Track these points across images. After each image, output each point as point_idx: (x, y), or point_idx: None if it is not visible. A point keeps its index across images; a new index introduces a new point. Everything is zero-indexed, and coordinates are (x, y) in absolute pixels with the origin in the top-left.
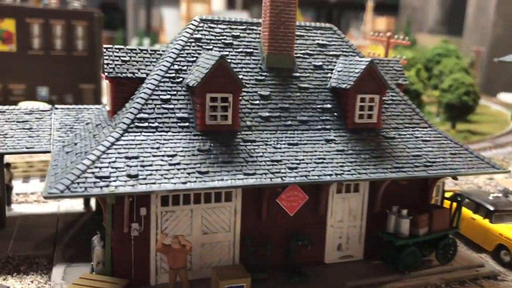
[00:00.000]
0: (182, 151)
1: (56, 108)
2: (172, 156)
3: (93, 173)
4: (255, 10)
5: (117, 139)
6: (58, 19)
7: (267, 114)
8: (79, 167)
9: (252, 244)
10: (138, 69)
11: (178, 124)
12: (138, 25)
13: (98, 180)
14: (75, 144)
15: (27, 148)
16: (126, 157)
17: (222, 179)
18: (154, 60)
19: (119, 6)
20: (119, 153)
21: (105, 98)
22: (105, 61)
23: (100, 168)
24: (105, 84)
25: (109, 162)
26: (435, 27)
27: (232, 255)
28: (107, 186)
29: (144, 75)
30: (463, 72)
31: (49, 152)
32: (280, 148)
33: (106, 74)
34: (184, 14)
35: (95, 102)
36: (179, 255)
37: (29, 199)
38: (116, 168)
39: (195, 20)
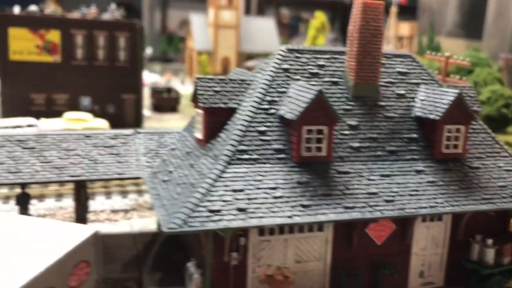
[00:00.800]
0: (282, 183)
1: (139, 133)
2: (274, 188)
3: (205, 207)
4: (269, 14)
5: (222, 172)
6: (101, 30)
7: (357, 144)
8: (191, 201)
9: (344, 273)
10: (230, 99)
11: (275, 155)
12: (153, 26)
13: (211, 214)
14: (170, 172)
15: (118, 174)
16: (233, 190)
17: (324, 213)
18: (243, 90)
19: (134, 7)
20: (225, 186)
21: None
22: (199, 92)
23: (211, 201)
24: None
25: (219, 196)
26: (453, 30)
27: (322, 284)
28: (220, 220)
29: (236, 105)
30: (497, 83)
31: (139, 178)
32: (373, 180)
33: (201, 104)
34: (212, 21)
35: (136, 113)
36: (282, 286)
37: (100, 217)
38: (226, 201)
39: (282, 50)
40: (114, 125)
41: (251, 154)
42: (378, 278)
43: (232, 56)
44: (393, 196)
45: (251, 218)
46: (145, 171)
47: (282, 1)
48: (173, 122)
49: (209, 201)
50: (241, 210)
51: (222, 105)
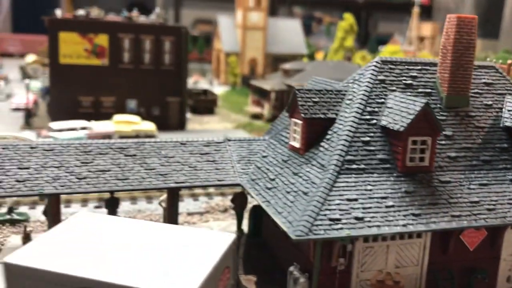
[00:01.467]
0: (391, 193)
1: (229, 140)
2: (385, 198)
3: (325, 215)
4: (281, 13)
5: (334, 181)
6: (147, 34)
7: (454, 154)
8: (311, 209)
9: (441, 278)
10: (328, 110)
11: (380, 165)
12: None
13: (331, 222)
14: (272, 179)
15: (218, 180)
16: (348, 200)
17: (434, 222)
18: (340, 100)
19: (148, 6)
20: (340, 195)
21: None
22: (299, 103)
23: (330, 210)
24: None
25: (336, 205)
26: None
27: None
28: (341, 228)
29: (334, 115)
30: None
31: (238, 185)
32: (473, 188)
33: (302, 115)
34: (240, 22)
35: (180, 115)
36: None
37: (179, 220)
38: (343, 210)
39: (377, 62)
40: (158, 127)
41: (358, 164)
42: (471, 283)
43: (259, 57)
44: (493, 205)
45: (369, 226)
46: (242, 178)
47: (295, 0)
48: (214, 124)
49: (328, 210)
50: (358, 219)
51: (322, 115)
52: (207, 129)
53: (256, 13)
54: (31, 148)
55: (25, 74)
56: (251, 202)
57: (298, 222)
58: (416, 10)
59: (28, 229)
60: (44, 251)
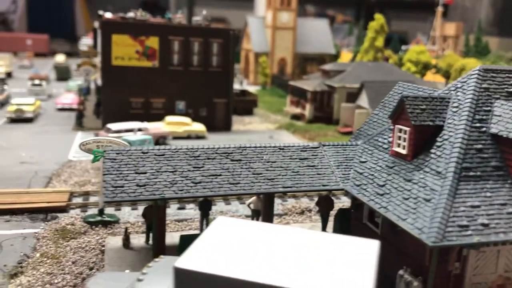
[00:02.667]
0: (509, 199)
1: (324, 145)
2: (504, 204)
3: (453, 222)
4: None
5: (456, 188)
6: (196, 36)
7: None
8: (440, 216)
9: None
10: (435, 117)
11: (494, 172)
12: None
13: (461, 229)
14: (382, 185)
15: (323, 185)
16: (471, 206)
17: None
18: (444, 107)
19: (161, 5)
20: (463, 202)
21: None
22: (408, 110)
23: (457, 217)
24: None
25: (461, 212)
26: (485, 27)
27: None
28: (471, 235)
29: (441, 123)
30: None
31: (341, 190)
32: None
33: (412, 122)
34: (270, 23)
35: (226, 116)
36: None
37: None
38: (469, 217)
39: (479, 70)
40: (206, 128)
41: (475, 171)
42: None
43: (289, 57)
44: None
45: (495, 233)
46: (345, 183)
47: None
48: (256, 125)
49: (455, 216)
50: (484, 225)
51: (430, 123)
52: (251, 130)
53: (286, 13)
54: (143, 153)
55: (60, 73)
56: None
57: (430, 229)
58: (440, 9)
59: (128, 231)
60: (209, 256)
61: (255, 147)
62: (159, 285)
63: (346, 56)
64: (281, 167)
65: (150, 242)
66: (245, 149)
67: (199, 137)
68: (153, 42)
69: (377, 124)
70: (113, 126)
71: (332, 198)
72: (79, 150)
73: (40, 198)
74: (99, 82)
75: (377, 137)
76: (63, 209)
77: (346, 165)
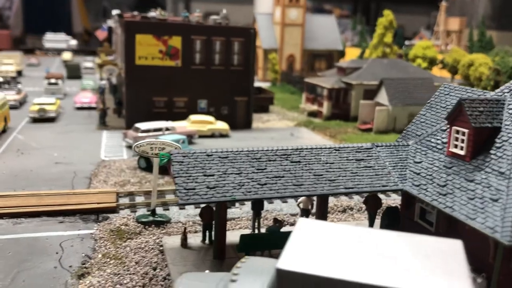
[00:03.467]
0: None
1: (377, 146)
2: None
3: None
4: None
5: None
6: (218, 36)
7: None
8: (509, 215)
9: None
10: (493, 119)
11: None
12: None
13: None
14: (443, 186)
15: (382, 186)
16: None
17: None
18: (500, 109)
19: (157, 1)
20: None
21: None
22: (468, 112)
23: None
24: None
25: None
26: (484, 21)
27: None
28: None
29: (499, 125)
30: None
31: (400, 190)
32: None
33: (472, 124)
34: (279, 19)
35: (247, 114)
36: None
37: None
38: None
39: None
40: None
41: None
42: None
43: (297, 53)
44: None
45: None
46: (404, 184)
47: None
48: (275, 123)
49: None
50: None
51: (489, 124)
52: (271, 128)
53: (295, 9)
54: (208, 155)
55: (71, 72)
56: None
57: (503, 229)
58: (444, 4)
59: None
60: (307, 258)
61: (311, 148)
62: (253, 285)
63: (352, 52)
64: (339, 168)
65: (207, 241)
66: (302, 151)
67: (222, 135)
68: (176, 41)
69: (426, 124)
70: (141, 125)
71: (379, 197)
72: (110, 149)
73: (88, 199)
74: (114, 80)
75: (429, 138)
76: (113, 210)
77: (401, 166)
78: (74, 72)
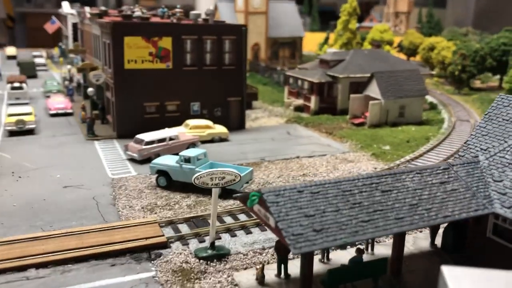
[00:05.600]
0: None
1: (453, 165)
2: None
3: None
4: None
5: None
6: (209, 34)
7: None
8: None
9: None
10: None
11: None
12: None
13: None
14: None
15: (475, 210)
16: None
17: None
18: None
19: None
20: None
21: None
22: None
23: None
24: None
25: None
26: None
27: None
28: None
29: None
30: None
31: (492, 213)
32: None
33: None
34: (242, 7)
35: (240, 115)
36: None
37: None
38: None
39: None
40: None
41: None
42: None
43: (262, 42)
44: None
45: None
46: (493, 205)
47: None
48: (265, 120)
49: None
50: None
51: None
52: (264, 126)
53: None
54: (299, 191)
55: (25, 71)
56: None
57: None
58: None
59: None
60: None
61: (394, 174)
62: None
63: (311, 37)
64: (429, 195)
65: (282, 275)
66: (387, 178)
67: (222, 139)
68: (166, 42)
69: (490, 138)
70: (144, 136)
71: None
72: (114, 165)
73: (132, 233)
74: (82, 81)
75: (502, 154)
76: (164, 245)
77: (481, 186)
78: (29, 71)
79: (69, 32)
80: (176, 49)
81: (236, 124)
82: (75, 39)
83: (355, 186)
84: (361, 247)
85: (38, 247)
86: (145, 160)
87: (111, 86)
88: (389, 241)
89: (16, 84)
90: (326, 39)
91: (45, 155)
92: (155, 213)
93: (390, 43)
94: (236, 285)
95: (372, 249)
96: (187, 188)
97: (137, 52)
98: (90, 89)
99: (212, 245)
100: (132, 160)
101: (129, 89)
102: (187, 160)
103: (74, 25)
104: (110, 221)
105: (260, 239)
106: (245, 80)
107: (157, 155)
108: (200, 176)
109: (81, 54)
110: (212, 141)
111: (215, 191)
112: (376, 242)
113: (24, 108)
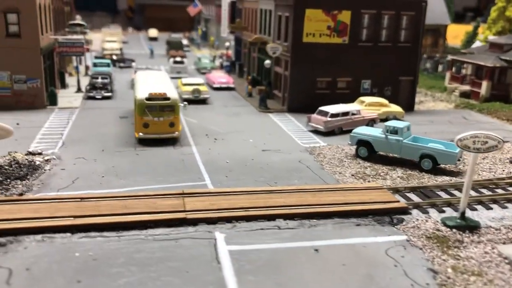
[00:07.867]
0: None
1: None
2: None
3: None
4: None
5: None
6: (387, 9)
7: None
8: None
9: None
10: None
11: None
12: None
13: None
14: None
15: None
16: None
17: None
18: None
19: None
20: None
21: None
22: None
23: None
24: None
25: None
26: None
27: None
28: None
29: None
30: None
31: None
32: None
33: None
34: None
35: (410, 95)
36: None
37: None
38: None
39: None
40: None
41: None
42: None
43: None
44: None
45: None
46: None
47: None
48: (431, 104)
49: None
50: None
51: None
52: (432, 110)
53: None
54: None
55: (173, 48)
56: None
57: None
58: None
59: None
60: None
61: None
62: None
63: (454, 28)
64: None
65: None
66: None
67: (396, 118)
68: (345, 16)
69: None
70: (329, 109)
71: None
72: (300, 135)
73: (366, 196)
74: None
75: None
76: (404, 211)
77: None
78: (177, 49)
79: (225, 13)
80: (354, 24)
81: (405, 105)
82: (232, 18)
83: None
84: None
85: (279, 200)
86: (329, 132)
87: (285, 60)
88: None
89: (178, 59)
90: (476, 29)
91: (227, 122)
92: (368, 181)
93: None
94: (505, 257)
95: None
96: (388, 160)
97: (316, 26)
98: (267, 61)
99: (463, 215)
100: (314, 131)
101: (304, 63)
102: (394, 131)
103: (233, 4)
104: (330, 182)
105: (507, 215)
106: (419, 59)
107: (340, 128)
108: (464, 138)
109: (241, 31)
110: (385, 120)
111: (474, 156)
112: None
113: (196, 79)
